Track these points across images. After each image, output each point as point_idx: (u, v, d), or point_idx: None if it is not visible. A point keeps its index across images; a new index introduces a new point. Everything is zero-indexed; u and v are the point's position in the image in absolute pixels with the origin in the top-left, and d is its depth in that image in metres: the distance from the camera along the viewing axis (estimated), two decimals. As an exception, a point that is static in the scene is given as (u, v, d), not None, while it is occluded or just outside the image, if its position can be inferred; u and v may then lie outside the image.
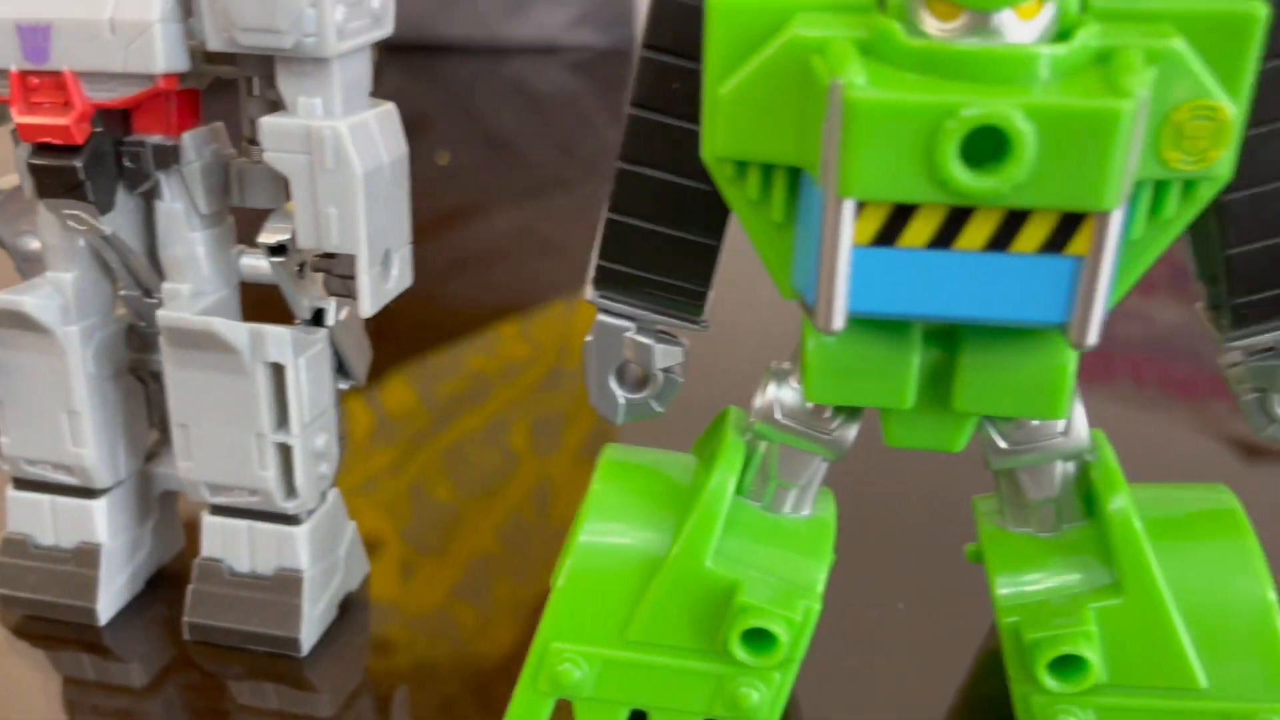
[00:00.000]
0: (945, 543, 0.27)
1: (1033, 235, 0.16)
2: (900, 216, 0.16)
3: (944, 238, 0.17)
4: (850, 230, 0.16)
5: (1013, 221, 0.16)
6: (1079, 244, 0.16)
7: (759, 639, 0.21)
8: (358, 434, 0.37)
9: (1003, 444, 0.21)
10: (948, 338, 0.19)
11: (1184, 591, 0.20)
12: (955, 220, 0.16)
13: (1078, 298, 0.17)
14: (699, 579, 0.21)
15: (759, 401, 0.21)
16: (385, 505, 0.32)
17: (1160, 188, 0.17)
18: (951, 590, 0.27)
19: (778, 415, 0.21)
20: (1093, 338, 0.17)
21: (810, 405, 0.21)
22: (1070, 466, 0.21)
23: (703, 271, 0.20)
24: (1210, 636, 0.20)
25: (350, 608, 0.27)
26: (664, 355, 0.21)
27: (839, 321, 0.17)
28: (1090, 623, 0.20)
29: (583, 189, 0.60)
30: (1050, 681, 0.20)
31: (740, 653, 0.20)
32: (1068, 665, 0.20)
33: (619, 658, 0.21)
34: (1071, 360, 0.19)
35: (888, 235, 0.17)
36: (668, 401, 0.22)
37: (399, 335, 0.44)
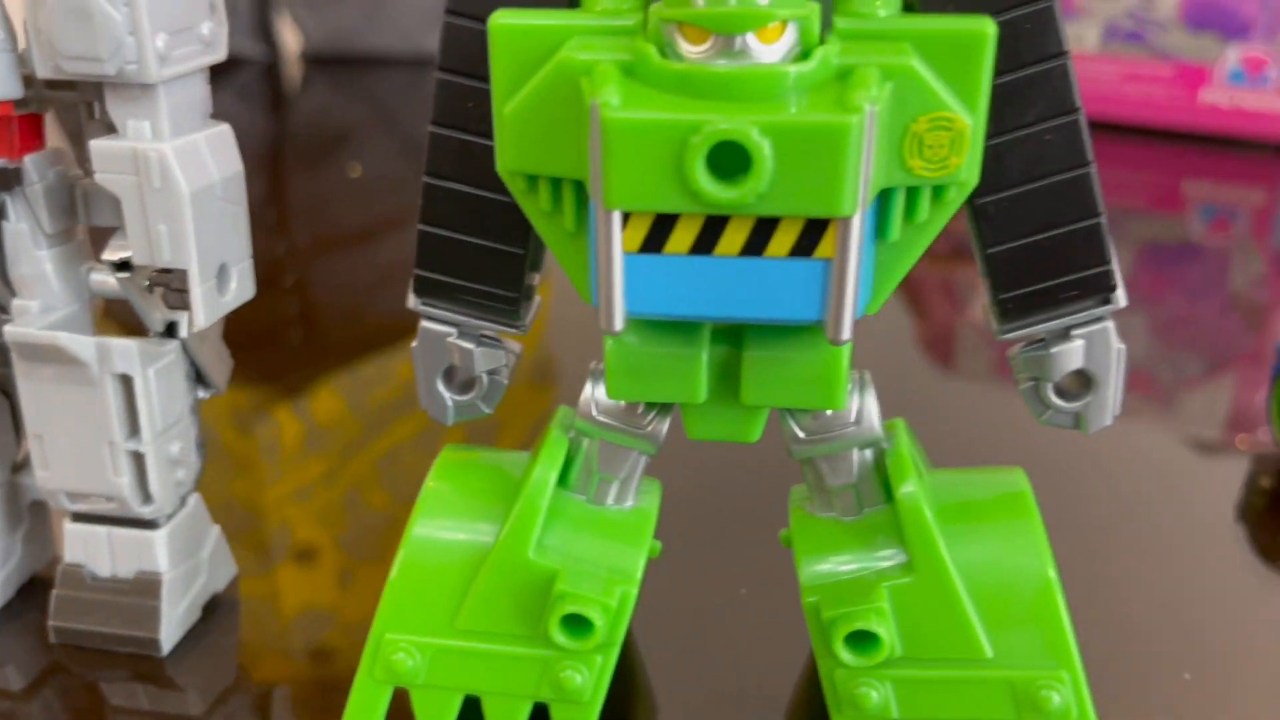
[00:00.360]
0: (777, 534, 0.29)
1: (783, 240, 0.18)
2: (664, 226, 0.18)
3: (704, 244, 0.18)
4: (619, 239, 0.18)
5: (764, 228, 0.18)
6: (826, 247, 0.18)
7: (577, 624, 0.22)
8: (288, 443, 0.38)
9: (800, 434, 0.22)
10: (734, 336, 0.20)
11: (971, 569, 0.22)
12: (713, 228, 0.18)
13: (830, 297, 0.18)
14: (522, 569, 0.22)
15: (581, 400, 0.23)
16: (320, 514, 0.33)
17: (912, 193, 0.19)
18: (792, 576, 0.28)
19: (595, 413, 0.22)
20: (845, 333, 0.18)
21: (624, 402, 0.22)
22: (868, 454, 0.22)
23: (512, 278, 0.22)
24: (995, 610, 0.21)
25: (217, 609, 0.28)
26: (484, 359, 0.22)
27: (618, 323, 0.18)
28: (882, 600, 0.21)
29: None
30: (847, 656, 0.21)
31: (560, 638, 0.22)
32: (863, 641, 0.21)
33: (449, 646, 0.22)
34: (844, 355, 0.20)
35: (654, 243, 0.18)
36: (494, 402, 0.23)
37: (327, 347, 0.45)
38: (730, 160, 0.17)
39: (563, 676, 0.22)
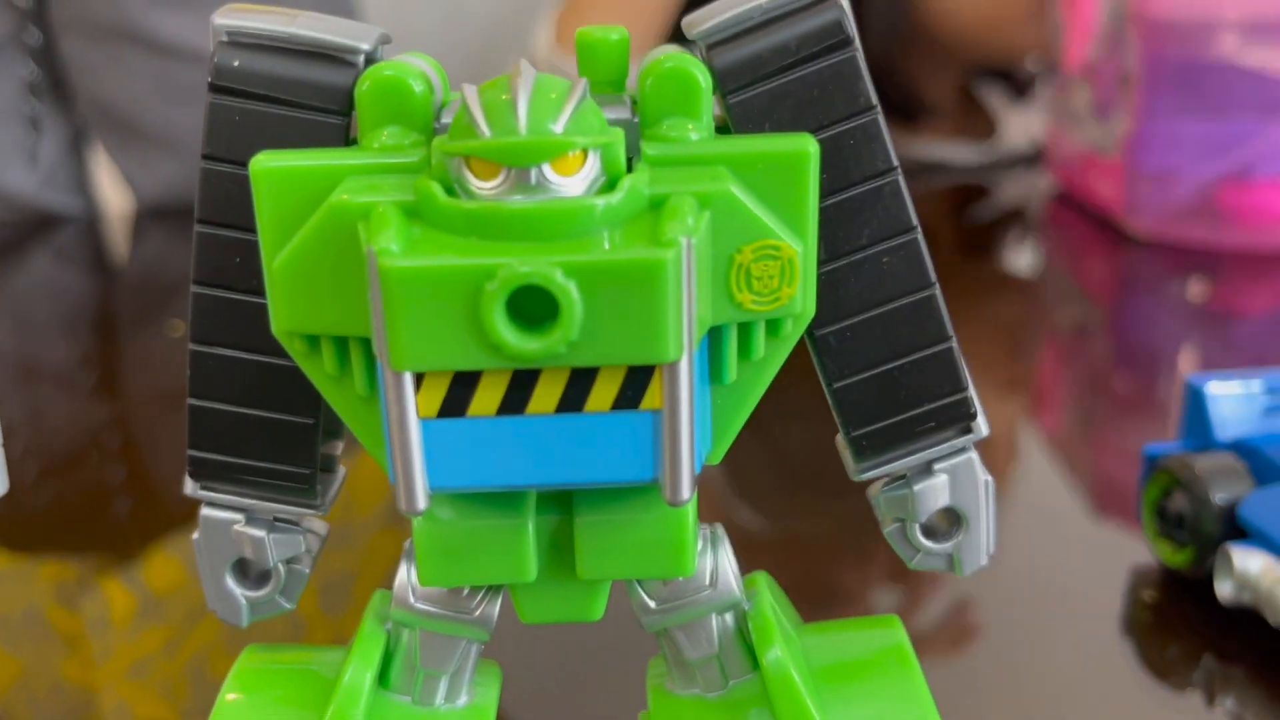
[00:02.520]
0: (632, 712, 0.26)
1: (604, 393, 0.15)
2: (464, 385, 0.15)
3: (514, 403, 0.15)
4: (413, 404, 0.15)
5: (581, 380, 0.15)
6: (653, 398, 0.15)
7: None
8: (119, 616, 0.34)
9: (651, 604, 0.19)
10: (563, 501, 0.18)
11: (851, 735, 0.19)
12: (523, 384, 0.15)
13: (663, 452, 0.16)
14: (337, 793, 0.19)
15: (395, 585, 0.20)
16: (161, 688, 0.29)
17: (745, 329, 0.17)
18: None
19: (412, 599, 0.19)
20: (685, 493, 0.16)
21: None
22: (728, 619, 0.20)
23: (303, 453, 0.19)
24: (883, 781, 0.19)
25: None
26: (280, 547, 0.19)
27: (421, 502, 0.16)
28: (756, 785, 0.19)
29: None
30: None
31: None
32: (739, 836, 0.19)
33: None
34: (689, 513, 0.18)
35: (455, 406, 0.15)
36: (296, 596, 0.20)
37: (161, 511, 0.40)
38: (534, 306, 0.15)
39: None
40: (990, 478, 0.19)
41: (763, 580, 0.21)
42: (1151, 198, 0.62)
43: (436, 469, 0.16)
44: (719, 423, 0.18)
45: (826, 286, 0.17)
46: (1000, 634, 0.31)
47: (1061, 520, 0.38)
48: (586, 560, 0.18)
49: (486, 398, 0.15)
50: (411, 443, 0.15)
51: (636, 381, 0.15)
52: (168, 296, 0.72)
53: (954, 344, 0.18)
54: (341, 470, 0.21)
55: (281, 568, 0.20)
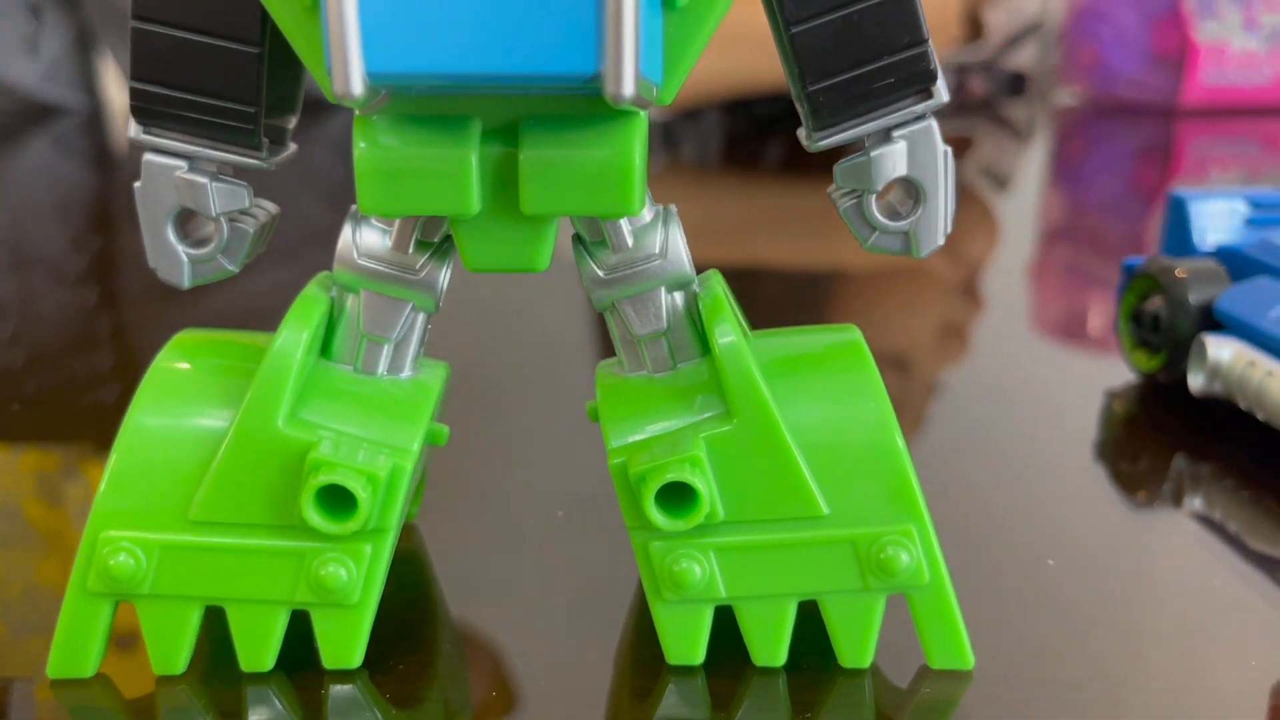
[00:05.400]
0: (595, 449, 0.25)
1: (544, -35, 0.15)
2: (401, -48, 0.15)
3: (453, -24, 0.15)
4: (349, -31, 0.15)
5: (521, -49, 0.15)
6: (596, -26, 0.15)
7: (336, 500, 0.18)
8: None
9: (601, 274, 0.19)
10: (509, 136, 0.18)
11: (800, 419, 0.19)
12: (461, -47, 0.15)
13: (606, 40, 0.15)
14: (270, 444, 0.18)
15: (339, 246, 0.19)
16: None
17: (697, -56, 0.16)
18: (606, 494, 0.25)
19: (357, 258, 0.19)
20: (628, 87, 0.15)
21: (392, 243, 0.19)
22: (678, 299, 0.19)
23: (246, 86, 0.18)
24: (830, 462, 0.19)
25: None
26: (223, 197, 0.19)
27: (356, 85, 0.15)
28: (699, 449, 0.18)
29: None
30: (660, 518, 0.18)
31: (315, 518, 0.18)
32: (678, 499, 0.18)
33: (181, 543, 0.18)
34: (635, 149, 0.17)
35: (392, -24, 0.15)
36: (240, 258, 0.19)
37: None
38: None
39: (323, 573, 0.18)
40: (949, 148, 0.19)
41: (717, 275, 0.20)
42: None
43: (374, 50, 0.15)
44: (670, 53, 0.17)
45: None
46: (978, 453, 0.31)
47: (1037, 347, 0.38)
48: (530, 194, 0.17)
49: (425, -32, 0.15)
50: (348, 14, 0.15)
51: (578, -45, 0.15)
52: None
53: (914, -10, 0.18)
54: (293, 145, 0.20)
55: (224, 223, 0.19)
